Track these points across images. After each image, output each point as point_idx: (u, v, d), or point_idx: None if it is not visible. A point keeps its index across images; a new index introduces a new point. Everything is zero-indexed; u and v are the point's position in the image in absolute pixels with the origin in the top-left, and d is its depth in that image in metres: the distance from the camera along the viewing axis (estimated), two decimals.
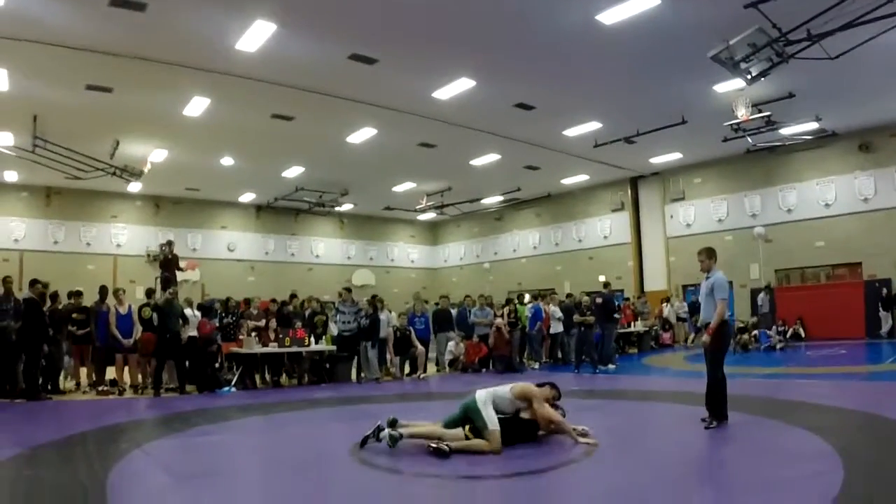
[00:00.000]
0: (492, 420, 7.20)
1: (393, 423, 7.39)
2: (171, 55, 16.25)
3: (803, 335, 23.63)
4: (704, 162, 27.94)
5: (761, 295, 22.80)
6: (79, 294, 15.21)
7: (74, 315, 14.78)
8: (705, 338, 8.70)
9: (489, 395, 7.47)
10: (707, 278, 9.01)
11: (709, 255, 9.17)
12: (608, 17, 14.56)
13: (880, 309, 22.80)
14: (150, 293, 16.01)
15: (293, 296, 19.17)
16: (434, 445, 7.04)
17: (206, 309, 16.30)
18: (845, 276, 24.21)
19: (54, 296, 14.93)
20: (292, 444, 8.61)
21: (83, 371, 15.46)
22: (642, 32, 15.30)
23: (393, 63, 17.26)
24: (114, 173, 23.12)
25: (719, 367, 8.60)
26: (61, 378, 15.03)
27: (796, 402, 10.40)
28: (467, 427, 7.28)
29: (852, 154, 24.20)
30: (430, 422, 7.76)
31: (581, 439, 7.39)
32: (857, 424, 8.58)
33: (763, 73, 14.93)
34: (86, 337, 14.79)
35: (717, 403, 8.48)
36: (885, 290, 22.86)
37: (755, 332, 22.02)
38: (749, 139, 22.13)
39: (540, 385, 7.85)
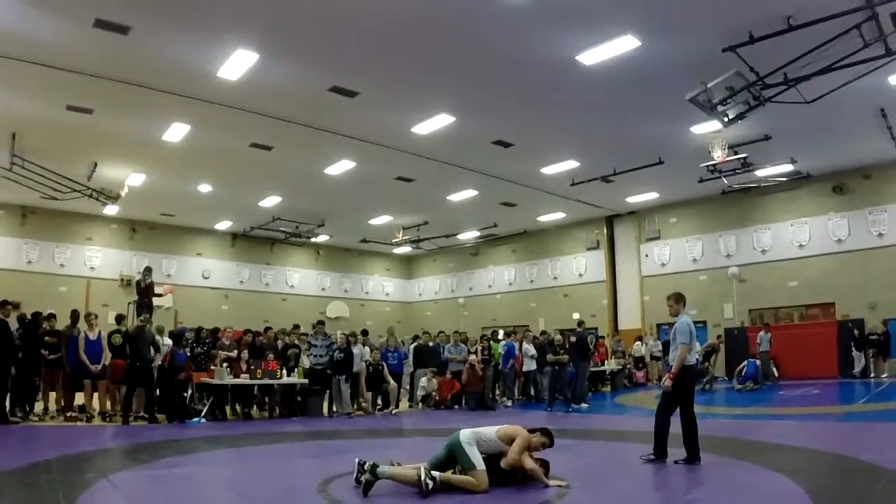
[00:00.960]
0: (477, 460, 7.05)
1: (373, 469, 7.10)
2: (153, 80, 16.24)
3: (776, 374, 23.72)
4: (680, 202, 28.21)
5: (761, 334, 22.60)
6: (52, 317, 15.01)
7: (46, 338, 14.50)
8: (667, 382, 8.67)
9: (473, 436, 7.30)
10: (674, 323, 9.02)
11: (677, 300, 9.18)
12: (588, 57, 14.77)
13: (853, 349, 23.00)
14: (119, 319, 15.79)
15: (267, 328, 19.00)
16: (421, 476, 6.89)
17: (177, 337, 16.12)
18: (818, 316, 24.43)
19: (35, 317, 14.68)
20: (261, 478, 8.47)
21: (52, 396, 15.15)
22: (621, 73, 15.53)
23: (373, 97, 17.34)
24: (90, 195, 23.00)
25: (688, 410, 8.58)
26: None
27: (768, 444, 10.37)
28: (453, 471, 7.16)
29: (826, 196, 24.58)
30: (413, 465, 7.54)
31: (551, 482, 7.27)
32: (829, 466, 8.57)
33: (740, 116, 15.15)
34: (57, 361, 14.50)
35: (690, 443, 8.45)
36: (857, 331, 23.07)
37: (743, 364, 21.69)
38: (725, 180, 22.43)
39: (532, 430, 7.62)
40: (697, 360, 9.36)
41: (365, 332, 19.19)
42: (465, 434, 7.28)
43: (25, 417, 13.90)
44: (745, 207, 26.65)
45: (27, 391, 14.33)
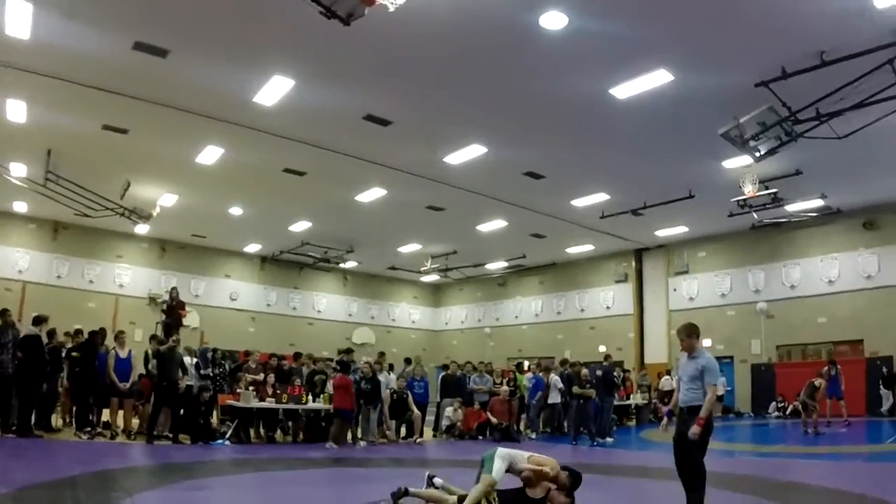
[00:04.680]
0: (498, 472, 7.03)
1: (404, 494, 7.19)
2: (189, 103, 16.46)
3: (802, 412, 23.38)
4: (710, 236, 28.01)
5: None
6: (78, 333, 15.14)
7: (74, 354, 14.64)
8: (695, 429, 7.36)
9: (510, 454, 7.29)
10: (693, 358, 7.87)
11: (688, 332, 8.02)
12: (621, 91, 14.78)
13: (881, 387, 22.58)
14: (161, 341, 15.91)
15: (298, 355, 19.01)
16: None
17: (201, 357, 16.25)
18: (847, 353, 24.00)
19: (52, 332, 14.79)
20: None
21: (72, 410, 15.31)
22: (654, 107, 15.52)
23: (406, 126, 17.48)
24: (123, 214, 23.22)
25: (700, 457, 7.54)
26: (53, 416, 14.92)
27: (795, 483, 10.26)
28: None
29: (857, 231, 24.28)
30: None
31: None
32: None
33: (771, 152, 15.05)
34: (80, 376, 14.52)
35: (695, 494, 7.50)
36: (885, 368, 22.67)
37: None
38: (755, 215, 22.26)
39: (565, 468, 7.45)
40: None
41: (382, 355, 19.21)
42: (503, 451, 7.29)
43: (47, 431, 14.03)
44: (774, 242, 26.42)
45: (50, 405, 14.49)
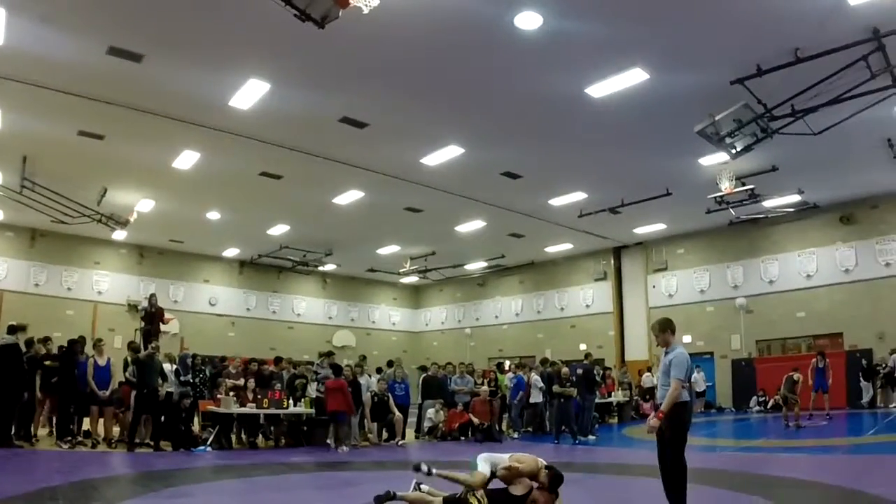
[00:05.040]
0: (483, 469, 7.21)
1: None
2: (165, 107, 16.36)
3: (783, 406, 23.54)
4: (688, 233, 28.20)
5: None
6: (47, 340, 15.00)
7: (47, 363, 14.45)
8: (653, 421, 7.39)
9: (491, 456, 7.42)
10: (666, 353, 7.79)
11: (661, 328, 7.92)
12: (597, 90, 14.86)
13: (861, 379, 22.84)
14: (136, 349, 15.82)
15: (279, 359, 18.95)
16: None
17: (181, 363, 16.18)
18: (826, 347, 24.09)
19: (30, 341, 14.65)
20: None
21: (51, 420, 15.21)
22: (630, 106, 15.61)
23: (383, 128, 17.46)
24: (100, 220, 23.08)
25: (678, 454, 7.42)
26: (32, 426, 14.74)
27: (777, 478, 10.30)
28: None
29: (834, 226, 24.55)
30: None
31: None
32: (838, 501, 8.51)
33: (747, 148, 15.16)
34: (57, 385, 14.33)
35: (675, 493, 7.40)
36: (865, 361, 22.94)
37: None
38: (732, 211, 22.41)
39: (548, 468, 7.45)
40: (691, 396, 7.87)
41: (363, 358, 19.22)
42: (485, 454, 7.52)
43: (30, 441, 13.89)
44: (752, 238, 26.63)
45: (29, 415, 14.35)
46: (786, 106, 14.17)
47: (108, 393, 14.54)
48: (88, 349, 15.24)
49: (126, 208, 23.31)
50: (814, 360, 20.15)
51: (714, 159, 18.54)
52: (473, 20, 12.33)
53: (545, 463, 7.20)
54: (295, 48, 13.30)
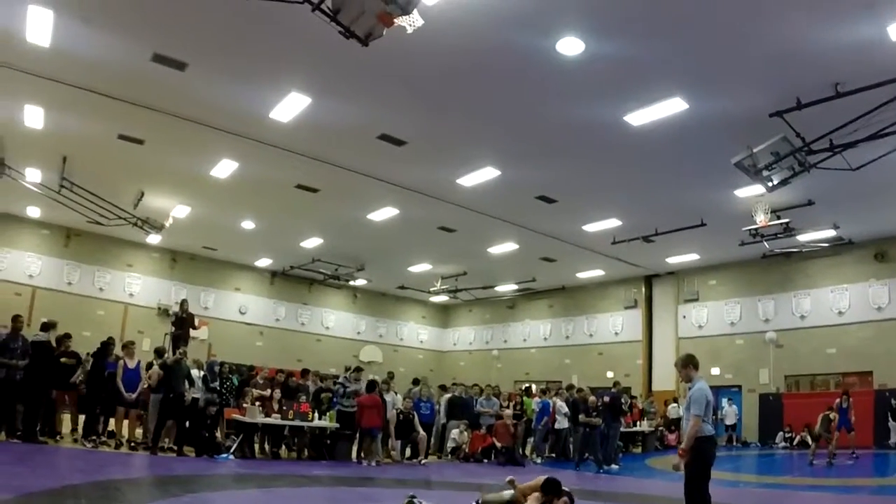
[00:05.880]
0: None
1: None
2: (205, 116, 16.55)
3: (810, 443, 23.17)
4: (720, 264, 27.92)
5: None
6: (68, 337, 15.11)
7: (63, 360, 14.52)
8: (676, 461, 7.62)
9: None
10: (688, 389, 8.00)
11: (684, 363, 8.15)
12: (636, 118, 14.80)
13: (889, 419, 22.38)
14: (161, 353, 15.97)
15: (306, 371, 19.01)
16: None
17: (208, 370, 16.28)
18: (855, 385, 23.72)
19: (60, 339, 14.79)
20: None
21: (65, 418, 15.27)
22: (668, 135, 15.54)
23: (421, 146, 17.54)
24: (135, 223, 23.33)
25: (702, 488, 7.53)
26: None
27: None
28: None
29: (868, 262, 24.14)
30: None
31: None
32: None
33: (784, 182, 14.98)
34: (90, 385, 14.56)
35: None
36: (894, 401, 22.45)
37: None
38: (766, 244, 22.17)
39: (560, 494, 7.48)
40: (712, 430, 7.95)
41: (391, 375, 19.27)
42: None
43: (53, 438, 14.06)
44: (785, 272, 26.31)
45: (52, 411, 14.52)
46: (824, 140, 14.01)
47: (134, 395, 14.67)
48: (117, 350, 15.41)
49: (162, 213, 23.57)
50: (838, 399, 19.84)
51: (750, 191, 18.38)
52: (516, 44, 12.38)
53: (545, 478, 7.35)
54: (337, 64, 13.41)
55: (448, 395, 20.09)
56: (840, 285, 24.94)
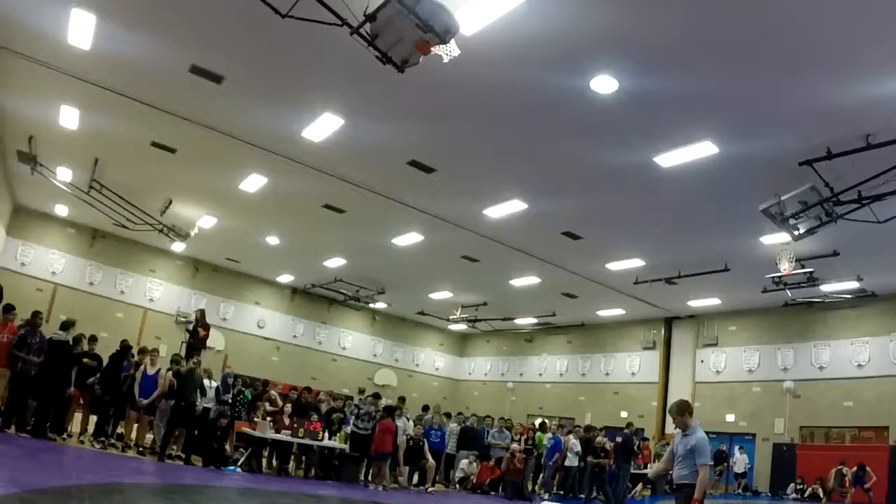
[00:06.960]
0: None
1: None
2: (238, 130, 16.74)
3: (822, 496, 22.81)
4: (741, 310, 27.68)
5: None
6: (94, 339, 15.33)
7: (85, 360, 14.70)
8: None
9: None
10: (685, 436, 8.08)
11: (679, 411, 8.17)
12: (665, 160, 14.80)
13: None
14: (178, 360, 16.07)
15: (308, 390, 18.99)
16: None
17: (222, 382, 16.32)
18: (871, 440, 23.36)
19: (77, 338, 14.90)
20: None
21: (76, 418, 15.37)
22: (697, 178, 15.53)
23: (450, 175, 17.64)
24: (161, 230, 23.60)
25: None
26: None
27: None
28: None
29: (890, 316, 23.80)
30: None
31: None
32: None
33: (811, 231, 14.89)
34: (105, 387, 14.65)
35: None
36: None
37: None
38: (789, 292, 22.02)
39: None
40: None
41: (402, 400, 19.24)
42: None
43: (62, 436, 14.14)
44: (805, 322, 26.03)
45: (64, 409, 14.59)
46: (853, 191, 13.92)
47: (145, 402, 14.68)
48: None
49: (188, 222, 23.84)
50: (854, 468, 19.66)
51: (775, 239, 18.25)
52: (551, 80, 12.45)
53: None
54: (372, 88, 13.52)
55: (458, 426, 20.02)
56: (861, 338, 24.64)
